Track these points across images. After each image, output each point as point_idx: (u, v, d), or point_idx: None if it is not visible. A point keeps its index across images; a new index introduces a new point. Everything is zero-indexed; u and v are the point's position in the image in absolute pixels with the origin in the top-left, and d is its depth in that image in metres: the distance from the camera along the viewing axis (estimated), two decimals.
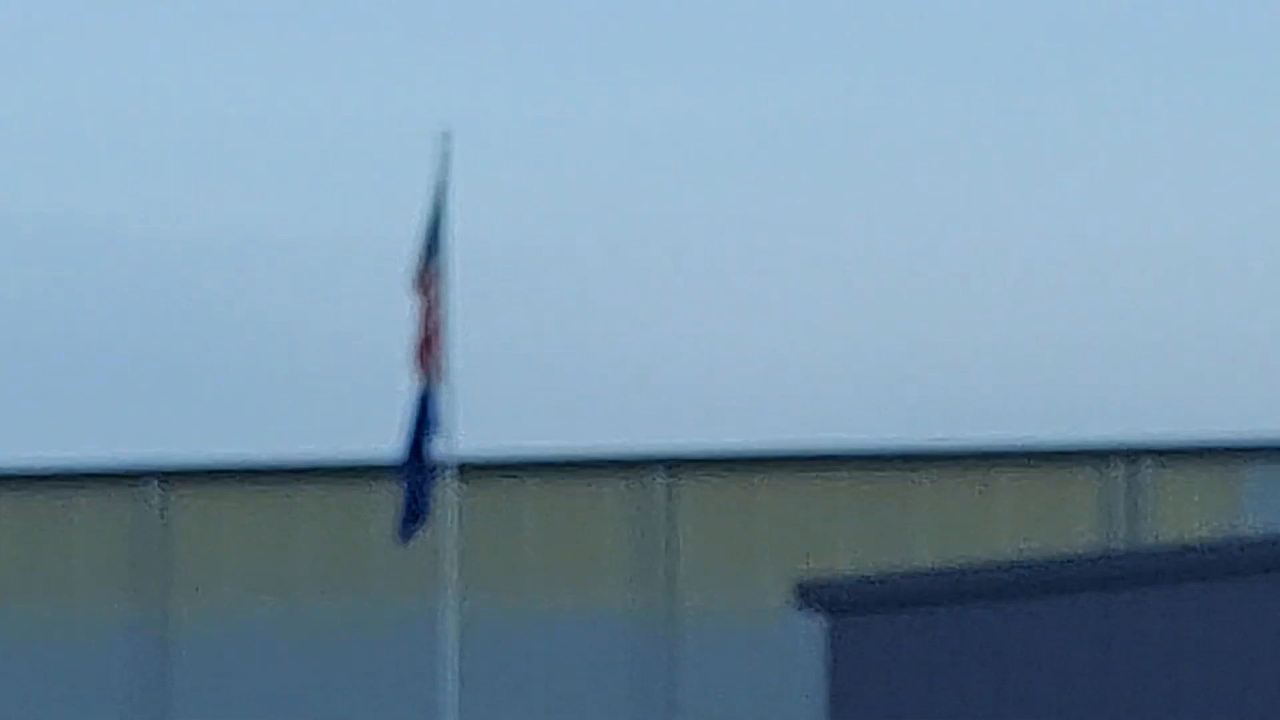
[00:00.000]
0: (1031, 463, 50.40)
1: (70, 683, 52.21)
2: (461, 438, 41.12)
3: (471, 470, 43.86)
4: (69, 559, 52.95)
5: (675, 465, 51.39)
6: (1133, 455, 49.76)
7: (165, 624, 51.91)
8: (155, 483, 52.54)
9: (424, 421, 40.51)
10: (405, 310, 40.59)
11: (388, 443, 43.91)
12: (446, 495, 41.28)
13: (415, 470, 40.89)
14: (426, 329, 40.16)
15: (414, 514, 40.91)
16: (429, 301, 40.09)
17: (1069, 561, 43.85)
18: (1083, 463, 50.45)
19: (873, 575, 45.46)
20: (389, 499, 44.62)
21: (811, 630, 42.04)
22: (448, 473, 41.13)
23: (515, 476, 49.44)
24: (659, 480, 51.08)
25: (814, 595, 42.24)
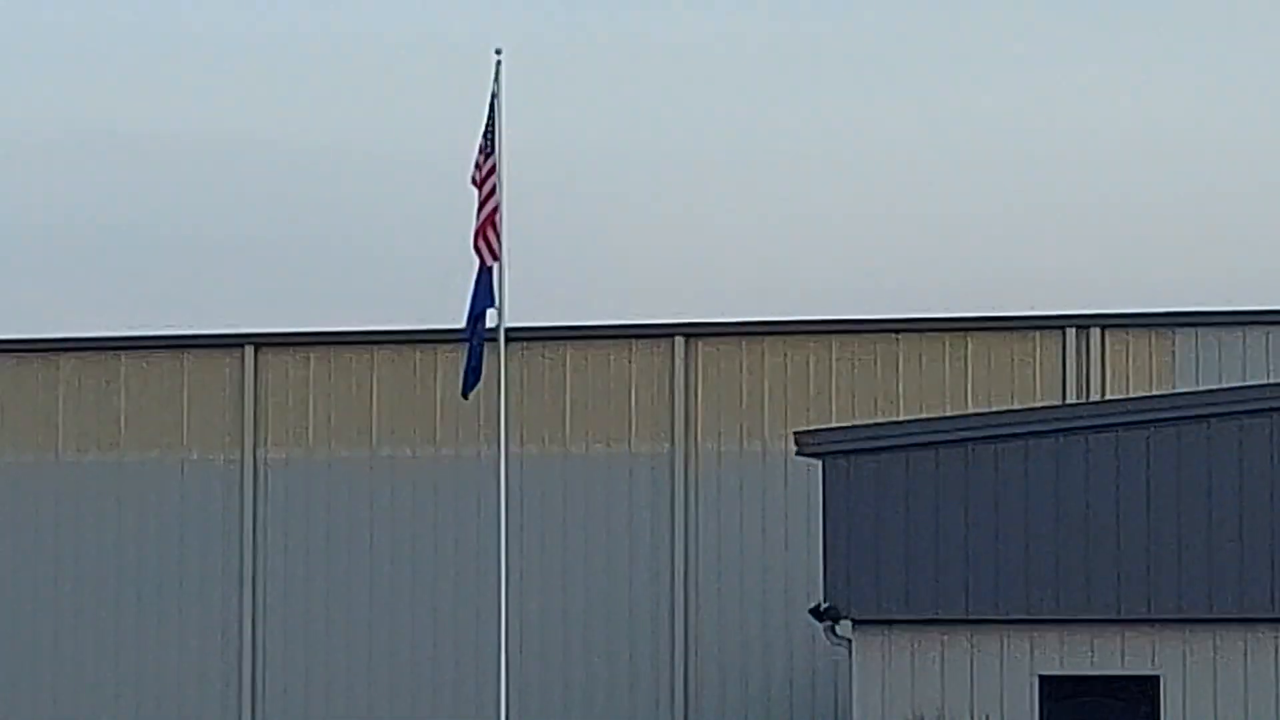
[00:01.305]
0: (997, 330, 51.11)
1: (181, 513, 53.07)
2: (512, 309, 41.34)
3: (520, 336, 44.10)
4: (181, 411, 53.56)
5: (693, 333, 52.02)
6: (1084, 323, 50.23)
7: (258, 466, 52.76)
8: (251, 348, 53.05)
9: (481, 295, 41.01)
10: (467, 202, 41.77)
11: (451, 313, 44.19)
12: (499, 358, 41.81)
13: (474, 336, 41.53)
14: (484, 217, 40.66)
15: (472, 374, 41.72)
16: (486, 194, 40.50)
17: (1026, 411, 45.50)
18: (1041, 330, 51.07)
19: (859, 425, 46.87)
20: (452, 361, 44.85)
21: (809, 471, 42.37)
22: (501, 338, 41.97)
23: (558, 342, 50.41)
24: (679, 345, 51.67)
25: (811, 442, 43.57)
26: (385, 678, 51.21)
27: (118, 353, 54.95)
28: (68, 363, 55.09)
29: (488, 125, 40.92)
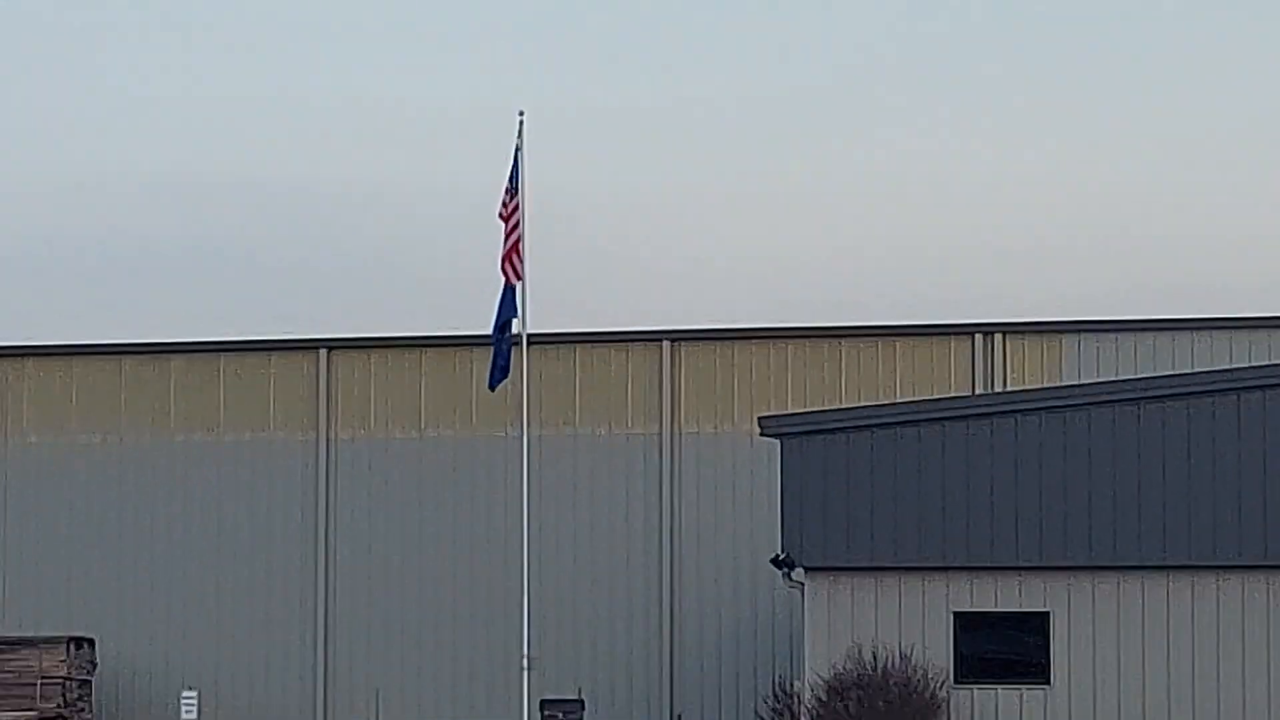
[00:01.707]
0: (920, 335, 51.83)
1: (269, 482, 53.81)
2: (531, 318, 42.35)
3: (538, 340, 44.28)
4: (269, 400, 53.93)
5: (677, 337, 52.66)
6: (988, 330, 50.85)
7: (330, 445, 53.18)
8: (325, 350, 53.35)
9: (506, 307, 41.29)
10: (496, 233, 41.86)
11: (483, 321, 44.54)
12: (523, 358, 42.61)
13: (501, 340, 41.76)
14: (509, 245, 40.87)
15: (499, 371, 42.15)
16: (511, 227, 40.92)
17: (943, 401, 45.70)
18: (954, 335, 51.70)
19: (810, 412, 46.88)
20: (483, 360, 45.05)
21: (770, 448, 42.60)
22: (523, 342, 42.83)
23: (569, 345, 50.95)
24: (666, 348, 52.30)
25: (771, 425, 43.84)
26: (432, 609, 51.84)
27: (218, 354, 55.31)
28: (178, 362, 55.27)
29: (512, 171, 41.46)
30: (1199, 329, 50.43)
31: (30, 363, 56.31)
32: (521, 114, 42.55)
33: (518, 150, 41.48)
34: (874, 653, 39.38)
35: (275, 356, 54.38)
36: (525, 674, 42.51)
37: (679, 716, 49.89)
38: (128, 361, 55.59)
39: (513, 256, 41.44)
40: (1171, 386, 41.02)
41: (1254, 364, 43.85)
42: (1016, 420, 41.07)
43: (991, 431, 41.10)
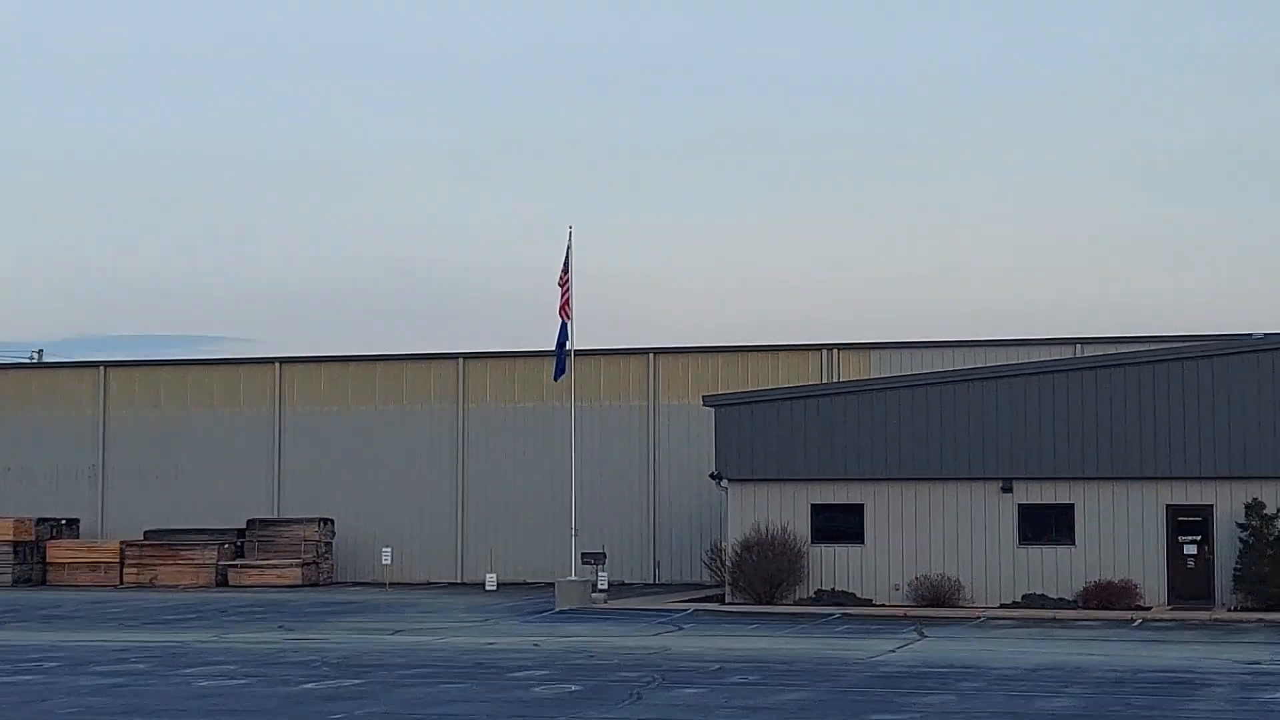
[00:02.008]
0: (793, 350, 51.20)
1: (428, 436, 53.30)
2: (575, 342, 42.49)
3: (580, 353, 43.42)
4: (427, 387, 53.82)
5: (657, 351, 52.46)
6: (831, 347, 51.04)
7: (465, 413, 52.81)
8: (461, 360, 53.65)
9: (563, 336, 42.13)
10: (556, 293, 42.21)
11: (549, 342, 44.51)
12: (571, 363, 42.49)
13: (561, 353, 42.39)
14: (563, 301, 41.84)
15: (559, 370, 42.66)
16: (564, 291, 41.85)
17: (807, 385, 44.02)
18: (812, 350, 50.98)
19: (731, 392, 46.29)
20: (549, 365, 44.95)
21: (709, 413, 42.00)
22: (571, 355, 42.57)
23: (595, 355, 49.92)
24: (651, 358, 52.23)
25: (710, 400, 43.31)
26: (522, 503, 50.87)
27: (375, 363, 54.89)
28: (355, 366, 54.83)
29: (565, 260, 41.69)
30: (952, 347, 48.79)
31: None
32: (570, 227, 42.82)
33: (568, 249, 41.83)
34: (765, 527, 39.83)
35: (434, 364, 53.93)
36: (573, 539, 42.47)
37: (658, 563, 50.45)
38: (330, 367, 55.28)
39: (566, 308, 41.70)
40: (928, 380, 41.27)
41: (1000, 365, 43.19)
42: (845, 396, 41.28)
43: (833, 404, 41.00)
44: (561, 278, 42.41)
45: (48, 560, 51.94)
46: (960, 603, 38.34)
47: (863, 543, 39.99)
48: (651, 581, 49.88)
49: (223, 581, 50.20)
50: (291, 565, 50.17)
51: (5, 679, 22.49)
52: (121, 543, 51.95)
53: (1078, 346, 47.37)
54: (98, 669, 23.92)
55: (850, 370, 49.60)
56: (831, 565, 40.03)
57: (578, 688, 21.18)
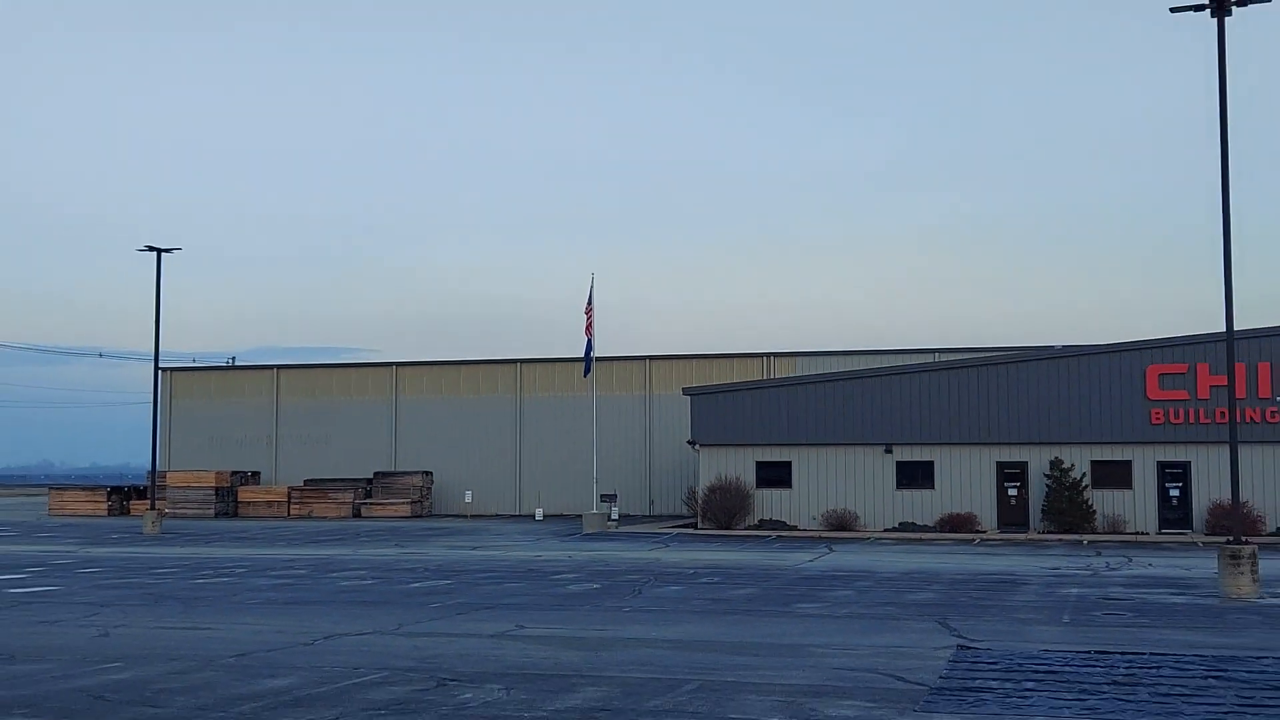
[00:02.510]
0: (740, 358, 51.19)
1: (496, 417, 53.00)
2: (595, 351, 42.48)
3: (600, 359, 43.12)
4: (496, 383, 53.65)
5: (652, 358, 52.36)
6: (766, 355, 51.15)
7: (523, 400, 52.62)
8: (520, 364, 53.54)
9: (589, 349, 41.75)
10: (583, 319, 42.16)
11: (577, 351, 44.37)
12: (593, 366, 41.91)
13: (587, 359, 41.90)
14: (588, 324, 41.67)
15: (587, 369, 42.07)
16: (589, 317, 41.64)
17: (747, 382, 43.63)
18: (751, 358, 51.25)
19: (702, 385, 45.73)
20: (579, 367, 44.70)
21: (689, 400, 41.88)
22: (593, 361, 41.91)
23: (610, 361, 49.23)
24: (648, 363, 52.08)
25: (689, 390, 42.63)
26: (559, 459, 50.59)
27: (460, 365, 54.46)
28: (447, 367, 54.41)
29: (589, 295, 41.63)
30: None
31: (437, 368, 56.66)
32: (593, 274, 43.05)
33: (591, 289, 41.70)
34: (725, 477, 39.64)
35: (501, 366, 53.53)
36: (595, 485, 42.44)
37: (652, 501, 50.23)
38: (464, 367, 55.00)
39: (590, 329, 41.69)
40: (836, 378, 40.95)
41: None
42: (779, 389, 40.88)
43: (771, 393, 40.68)
44: (587, 309, 42.42)
45: (239, 500, 52.18)
46: (857, 528, 38.29)
47: (791, 487, 39.78)
48: (648, 514, 49.48)
49: (357, 514, 50.25)
50: (403, 503, 50.27)
51: (211, 579, 22.73)
52: (289, 488, 52.25)
53: (935, 354, 47.16)
54: (272, 573, 24.07)
55: (782, 370, 49.58)
56: (769, 503, 39.85)
57: (598, 585, 21.30)
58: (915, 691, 10.65)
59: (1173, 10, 20.29)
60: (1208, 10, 19.90)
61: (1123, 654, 12.87)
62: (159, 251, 42.00)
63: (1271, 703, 10.10)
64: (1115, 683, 11.05)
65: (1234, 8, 19.71)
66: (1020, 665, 12.06)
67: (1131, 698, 10.32)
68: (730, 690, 10.73)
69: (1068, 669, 11.84)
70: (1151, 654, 12.85)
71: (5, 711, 9.81)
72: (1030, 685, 10.91)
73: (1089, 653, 12.97)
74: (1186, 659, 12.51)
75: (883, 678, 11.42)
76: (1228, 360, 21.35)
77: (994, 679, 11.26)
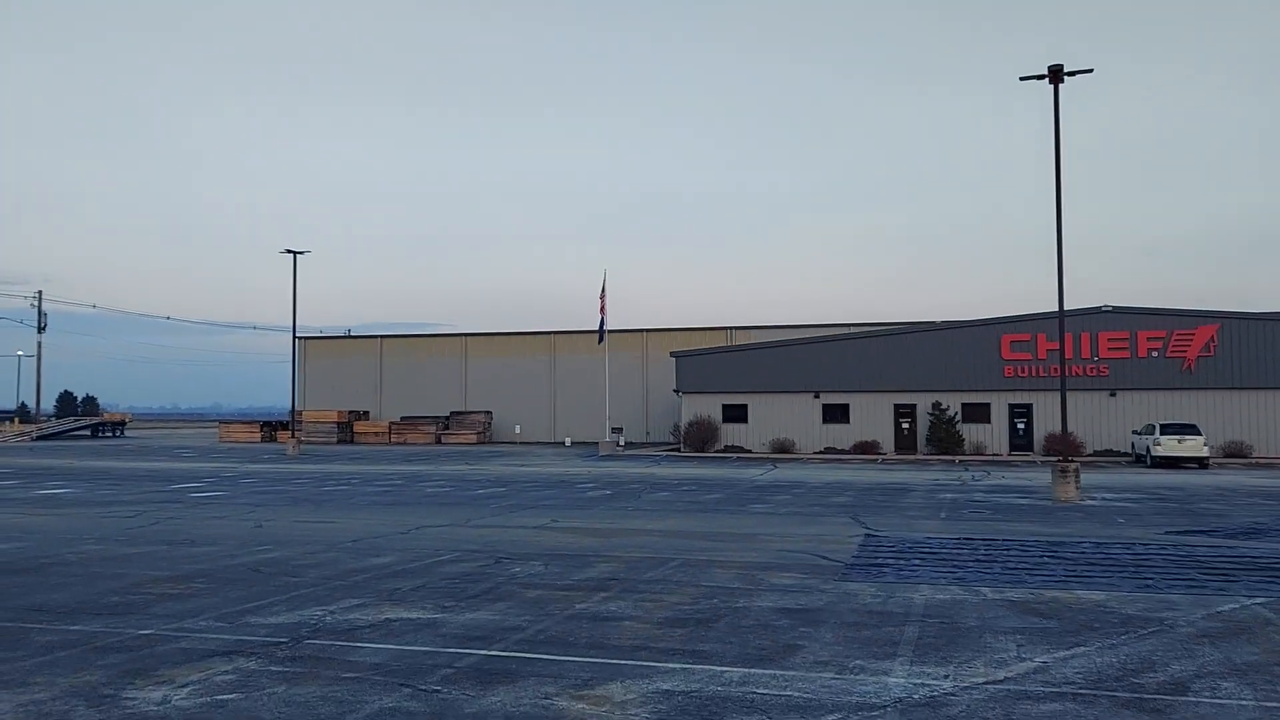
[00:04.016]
0: (707, 330, 50.24)
1: (533, 375, 51.95)
2: (607, 325, 41.96)
3: (610, 331, 42.80)
4: (533, 348, 52.86)
5: (650, 330, 51.21)
6: (724, 329, 50.16)
7: (556, 362, 51.75)
8: (554, 335, 52.59)
9: (603, 325, 41.13)
10: (598, 302, 41.34)
11: (591, 324, 44.37)
12: (604, 337, 41.18)
13: (601, 331, 41.10)
14: (601, 305, 41.03)
15: (600, 339, 41.31)
16: (602, 301, 40.99)
17: (716, 348, 43.02)
18: (714, 330, 50.23)
19: (687, 349, 45.25)
20: (597, 336, 44.45)
21: (675, 360, 42.01)
22: (605, 333, 41.29)
23: (617, 333, 48.21)
24: (645, 336, 50.87)
25: (675, 354, 42.01)
26: (583, 404, 49.92)
27: (511, 336, 53.17)
28: (502, 337, 53.38)
29: (603, 284, 40.85)
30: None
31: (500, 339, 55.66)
32: (605, 270, 43.25)
33: (604, 279, 40.74)
34: (700, 415, 39.22)
35: (540, 336, 52.49)
36: (607, 421, 41.94)
37: (648, 432, 49.47)
38: (514, 337, 53.95)
39: (604, 311, 40.69)
40: (781, 343, 40.17)
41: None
42: (740, 352, 40.18)
43: (734, 355, 39.97)
44: (600, 295, 41.61)
45: (354, 431, 51.61)
46: (794, 452, 38.05)
47: (747, 423, 39.41)
48: (645, 441, 48.93)
49: (438, 441, 49.75)
50: (471, 433, 49.77)
51: (334, 487, 22.53)
52: (389, 422, 51.58)
53: (850, 327, 46.34)
54: (377, 483, 23.89)
55: (742, 339, 48.70)
56: (732, 434, 39.45)
57: (609, 492, 21.12)
58: (836, 566, 10.63)
59: (1021, 79, 20.49)
60: (1046, 79, 20.12)
61: (983, 539, 12.86)
62: (295, 254, 42.05)
63: (1089, 573, 10.12)
64: (978, 560, 11.05)
65: (1066, 78, 20.01)
66: (910, 548, 12.05)
67: (989, 570, 10.31)
68: (704, 565, 10.69)
69: (944, 550, 11.84)
70: (1004, 540, 12.83)
71: (189, 579, 9.84)
72: (917, 562, 10.90)
73: (959, 539, 12.94)
74: (1029, 543, 12.49)
75: (812, 557, 11.39)
76: (1059, 331, 21.25)
77: (891, 558, 11.26)
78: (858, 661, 6.43)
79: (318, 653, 6.72)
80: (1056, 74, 19.83)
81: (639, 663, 6.39)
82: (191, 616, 8.02)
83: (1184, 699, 5.58)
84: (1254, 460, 32.52)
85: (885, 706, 5.43)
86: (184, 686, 5.90)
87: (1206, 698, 5.61)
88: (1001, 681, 5.95)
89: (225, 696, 5.69)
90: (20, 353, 75.85)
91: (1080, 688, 5.81)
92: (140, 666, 6.38)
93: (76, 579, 9.88)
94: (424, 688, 5.84)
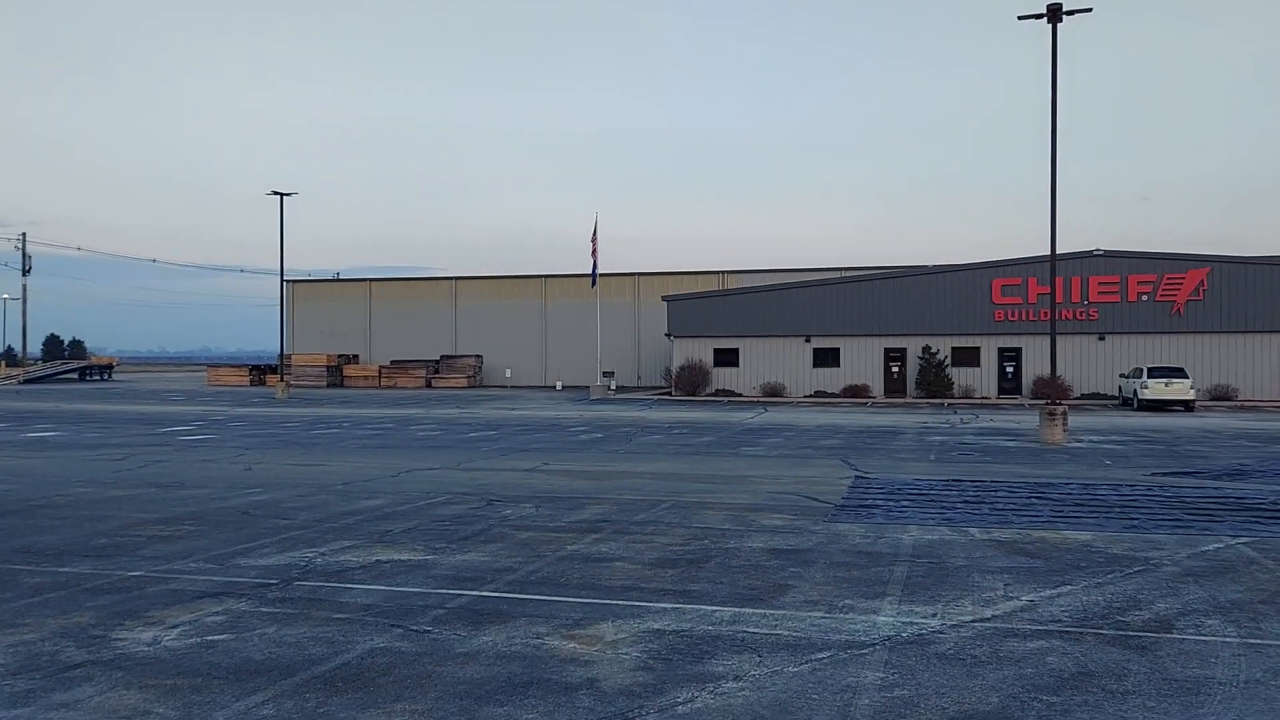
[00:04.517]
0: (702, 274, 49.88)
1: (523, 318, 51.70)
2: (600, 268, 41.34)
3: (602, 275, 42.60)
4: (524, 290, 52.52)
5: (640, 274, 50.57)
6: (716, 271, 49.99)
7: (548, 305, 51.52)
8: (544, 280, 52.00)
9: (595, 268, 40.80)
10: (589, 245, 40.92)
11: (583, 268, 43.78)
12: (596, 280, 40.89)
13: (594, 275, 40.79)
14: (594, 248, 40.59)
15: (593, 282, 41.06)
16: (594, 244, 40.56)
17: (706, 291, 42.89)
18: (704, 274, 49.81)
19: (677, 293, 45.08)
20: (589, 280, 43.98)
21: (667, 305, 41.95)
22: (596, 276, 40.89)
23: (608, 277, 47.82)
24: (636, 280, 50.35)
25: (666, 298, 41.84)
26: (575, 346, 49.73)
27: (501, 279, 52.74)
28: (492, 281, 52.96)
29: (594, 228, 40.28)
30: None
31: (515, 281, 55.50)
32: (597, 212, 42.98)
33: (595, 223, 40.09)
34: (691, 359, 39.29)
35: (531, 280, 52.02)
36: (599, 364, 41.84)
37: (640, 376, 49.41)
38: (505, 281, 53.58)
39: (595, 253, 40.10)
40: (771, 287, 40.05)
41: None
42: (730, 296, 40.00)
43: (724, 300, 39.76)
44: (593, 238, 41.12)
45: (343, 375, 51.41)
46: (784, 395, 38.23)
47: (738, 366, 39.44)
48: (637, 385, 48.90)
49: (428, 385, 49.48)
50: (462, 377, 49.49)
51: (324, 430, 22.47)
52: (379, 366, 51.31)
53: (842, 271, 45.98)
54: (368, 426, 23.86)
55: (733, 283, 48.34)
56: (723, 377, 39.53)
57: (601, 435, 21.13)
58: (825, 508, 10.66)
59: (1020, 18, 20.32)
60: (1045, 18, 19.92)
61: (972, 481, 12.91)
62: (281, 195, 41.32)
63: (1075, 514, 10.18)
64: (966, 501, 11.11)
65: (1065, 16, 19.83)
66: (899, 490, 12.09)
67: (977, 511, 10.36)
68: (694, 507, 10.70)
69: (932, 492, 11.89)
70: (992, 481, 12.88)
71: (179, 521, 9.81)
72: (906, 503, 10.95)
73: (947, 480, 12.99)
74: (1016, 485, 12.54)
75: (802, 499, 11.41)
76: (1051, 275, 21.16)
77: (880, 499, 11.29)
78: (847, 601, 6.46)
79: (308, 594, 6.72)
80: (1055, 13, 19.69)
81: (630, 603, 6.41)
82: (181, 558, 8.01)
83: (1168, 636, 5.62)
84: (1239, 403, 32.87)
85: (874, 644, 5.45)
86: (174, 627, 5.88)
87: (1191, 635, 5.65)
88: (989, 620, 5.99)
89: (216, 637, 5.68)
90: (5, 296, 75.41)
91: (1066, 625, 5.85)
92: (130, 608, 6.36)
93: (65, 521, 9.86)
94: (415, 628, 5.83)
